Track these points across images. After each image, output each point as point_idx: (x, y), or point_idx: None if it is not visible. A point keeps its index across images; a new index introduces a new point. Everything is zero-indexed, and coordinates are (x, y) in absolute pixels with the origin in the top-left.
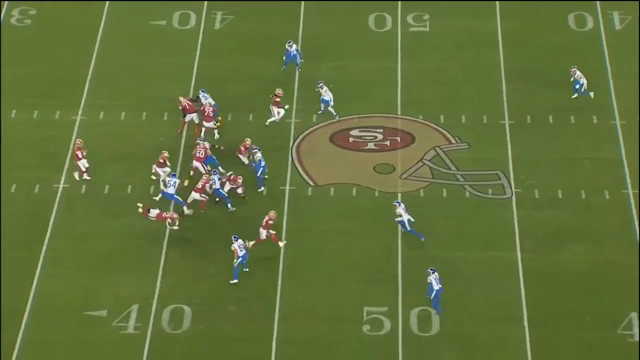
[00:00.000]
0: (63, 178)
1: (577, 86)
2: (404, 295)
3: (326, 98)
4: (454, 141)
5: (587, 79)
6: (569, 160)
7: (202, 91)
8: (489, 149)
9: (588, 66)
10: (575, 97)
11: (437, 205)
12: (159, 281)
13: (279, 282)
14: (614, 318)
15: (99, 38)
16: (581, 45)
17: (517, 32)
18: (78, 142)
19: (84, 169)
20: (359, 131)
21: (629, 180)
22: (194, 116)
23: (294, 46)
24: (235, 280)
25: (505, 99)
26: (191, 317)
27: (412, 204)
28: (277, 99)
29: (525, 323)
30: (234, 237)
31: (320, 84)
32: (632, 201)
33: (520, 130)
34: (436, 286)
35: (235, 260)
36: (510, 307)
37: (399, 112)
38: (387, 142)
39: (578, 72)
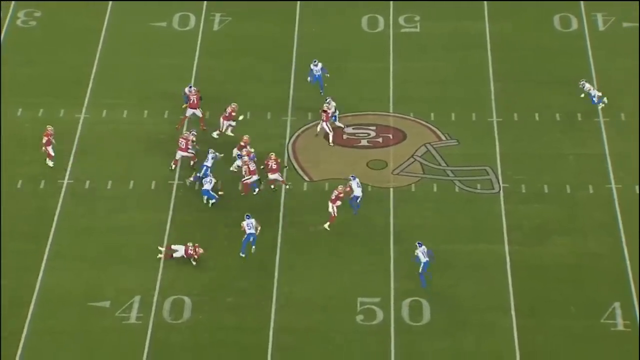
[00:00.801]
0: (67, 174)
1: (595, 99)
2: (396, 286)
3: (334, 112)
4: (444, 138)
5: (593, 86)
6: (554, 156)
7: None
8: (478, 146)
9: (572, 66)
10: (598, 103)
11: (427, 200)
12: (160, 273)
13: (276, 274)
14: (597, 308)
15: (101, 39)
16: (566, 45)
17: (505, 33)
18: (49, 128)
19: (53, 154)
20: (353, 128)
21: (612, 176)
22: (196, 112)
23: (319, 65)
24: (242, 254)
25: (493, 97)
26: (191, 308)
27: (404, 199)
28: (233, 113)
29: (513, 313)
30: (247, 215)
31: (328, 100)
32: (615, 195)
33: (507, 127)
34: (423, 259)
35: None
36: (498, 297)
37: (391, 110)
38: (380, 139)
39: (587, 85)
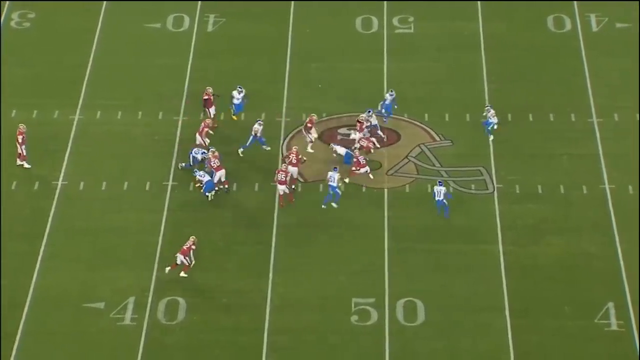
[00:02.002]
0: (62, 175)
1: (489, 127)
2: (391, 286)
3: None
4: (438, 139)
5: (498, 119)
6: (548, 156)
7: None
8: (472, 146)
9: (566, 66)
10: (491, 134)
11: (422, 200)
12: (154, 274)
13: (270, 275)
14: (591, 308)
15: (95, 40)
16: (560, 46)
17: (499, 33)
18: (21, 127)
19: (24, 154)
20: (347, 129)
21: (605, 176)
22: (211, 110)
23: (394, 94)
24: (324, 206)
25: (487, 98)
26: (186, 309)
27: (398, 199)
28: (309, 125)
29: (507, 313)
30: (334, 168)
31: (370, 113)
32: (609, 195)
33: (501, 128)
34: (437, 197)
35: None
36: (493, 297)
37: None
38: (374, 140)
39: (492, 111)
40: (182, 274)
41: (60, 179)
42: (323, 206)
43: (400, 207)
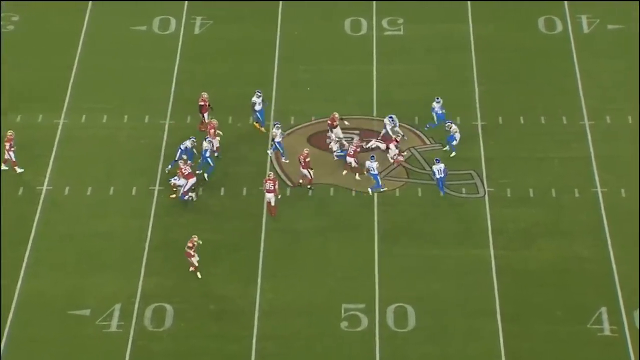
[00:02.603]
0: (46, 180)
1: (454, 142)
2: (381, 292)
3: (439, 111)
4: (428, 142)
5: (461, 134)
6: (539, 159)
7: (257, 92)
8: (463, 149)
9: (557, 68)
10: (450, 151)
11: (412, 204)
12: (141, 280)
13: (259, 280)
14: (584, 313)
15: (81, 43)
16: (551, 48)
17: (489, 35)
18: (9, 133)
19: (14, 159)
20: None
21: (597, 179)
22: (205, 115)
23: (441, 102)
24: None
25: (477, 100)
26: (173, 315)
27: (389, 203)
28: (335, 123)
29: (498, 318)
30: (371, 157)
31: (391, 118)
32: (601, 199)
33: (492, 130)
34: (437, 175)
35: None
36: (484, 302)
37: (374, 114)
38: (359, 149)
39: (454, 127)
40: (198, 274)
41: (45, 184)
42: (382, 189)
43: (391, 211)
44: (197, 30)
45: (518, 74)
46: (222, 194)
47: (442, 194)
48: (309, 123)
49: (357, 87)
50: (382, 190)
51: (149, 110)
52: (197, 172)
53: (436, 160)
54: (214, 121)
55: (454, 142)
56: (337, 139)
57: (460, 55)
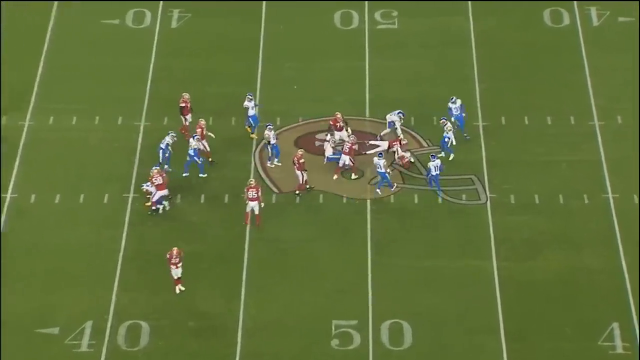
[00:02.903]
0: (11, 187)
1: (447, 140)
2: (375, 307)
3: (459, 112)
4: (425, 144)
5: (454, 136)
6: (545, 163)
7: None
8: (463, 152)
9: (565, 64)
10: (447, 155)
11: (408, 212)
12: (114, 295)
13: (242, 295)
14: (594, 329)
15: (47, 38)
16: (557, 42)
17: (490, 29)
18: None
19: None
20: (325, 135)
21: (608, 184)
22: (189, 117)
23: (459, 102)
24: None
25: (478, 99)
26: (149, 333)
27: (382, 211)
28: (338, 123)
29: (502, 334)
30: (379, 154)
31: (401, 114)
32: (613, 205)
33: (494, 132)
34: (433, 172)
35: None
36: (486, 318)
37: (367, 115)
38: (355, 146)
39: (449, 124)
40: (177, 288)
41: (9, 191)
42: (377, 190)
43: (385, 219)
44: (174, 24)
45: (522, 70)
46: (202, 201)
47: (439, 195)
48: (295, 124)
49: (348, 85)
50: (392, 189)
51: (122, 111)
52: (185, 174)
53: (432, 156)
54: (202, 121)
55: (447, 140)
56: (334, 142)
57: (459, 51)
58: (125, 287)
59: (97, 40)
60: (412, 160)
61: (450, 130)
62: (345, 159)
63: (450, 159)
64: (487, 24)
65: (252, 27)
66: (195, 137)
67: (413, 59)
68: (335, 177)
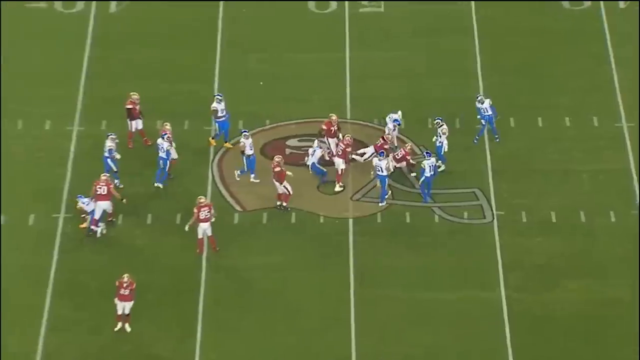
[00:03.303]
0: None
1: (438, 144)
2: (359, 347)
3: (489, 112)
4: (418, 152)
5: (447, 142)
6: (563, 173)
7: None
8: (464, 162)
9: (586, 53)
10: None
11: (398, 233)
12: (41, 337)
13: (198, 335)
14: None
15: None
16: (577, 28)
17: (497, 14)
18: None
19: None
20: (298, 140)
21: (638, 198)
22: (139, 122)
23: (487, 102)
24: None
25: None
26: None
27: (367, 232)
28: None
29: None
30: (380, 152)
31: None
32: None
33: (502, 136)
34: (428, 173)
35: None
36: (493, 358)
37: (348, 116)
38: (349, 149)
39: (444, 127)
40: (127, 327)
41: None
42: (381, 204)
43: (371, 242)
44: (113, 8)
45: (535, 62)
46: (148, 222)
47: (426, 200)
48: (261, 128)
49: (325, 80)
50: (381, 203)
51: (50, 114)
52: (157, 184)
53: (427, 153)
54: (168, 125)
55: (439, 145)
56: (327, 149)
57: (458, 39)
58: (55, 327)
59: (19, 27)
60: (413, 162)
61: (445, 134)
62: (340, 163)
63: (441, 169)
64: (492, 7)
65: (209, 11)
66: (165, 136)
67: (403, 50)
68: (337, 188)
